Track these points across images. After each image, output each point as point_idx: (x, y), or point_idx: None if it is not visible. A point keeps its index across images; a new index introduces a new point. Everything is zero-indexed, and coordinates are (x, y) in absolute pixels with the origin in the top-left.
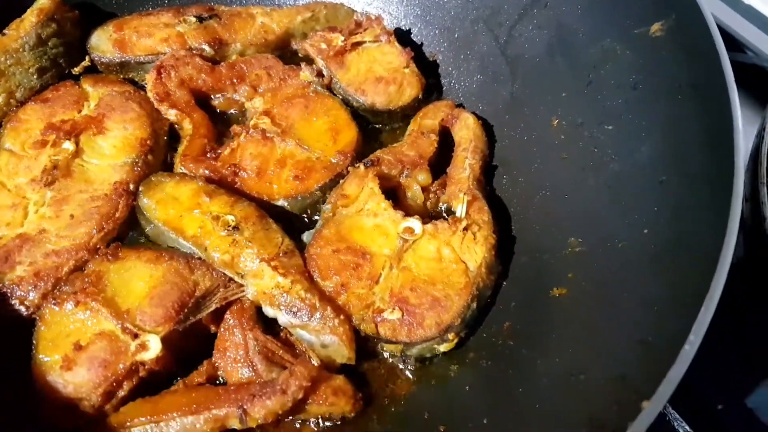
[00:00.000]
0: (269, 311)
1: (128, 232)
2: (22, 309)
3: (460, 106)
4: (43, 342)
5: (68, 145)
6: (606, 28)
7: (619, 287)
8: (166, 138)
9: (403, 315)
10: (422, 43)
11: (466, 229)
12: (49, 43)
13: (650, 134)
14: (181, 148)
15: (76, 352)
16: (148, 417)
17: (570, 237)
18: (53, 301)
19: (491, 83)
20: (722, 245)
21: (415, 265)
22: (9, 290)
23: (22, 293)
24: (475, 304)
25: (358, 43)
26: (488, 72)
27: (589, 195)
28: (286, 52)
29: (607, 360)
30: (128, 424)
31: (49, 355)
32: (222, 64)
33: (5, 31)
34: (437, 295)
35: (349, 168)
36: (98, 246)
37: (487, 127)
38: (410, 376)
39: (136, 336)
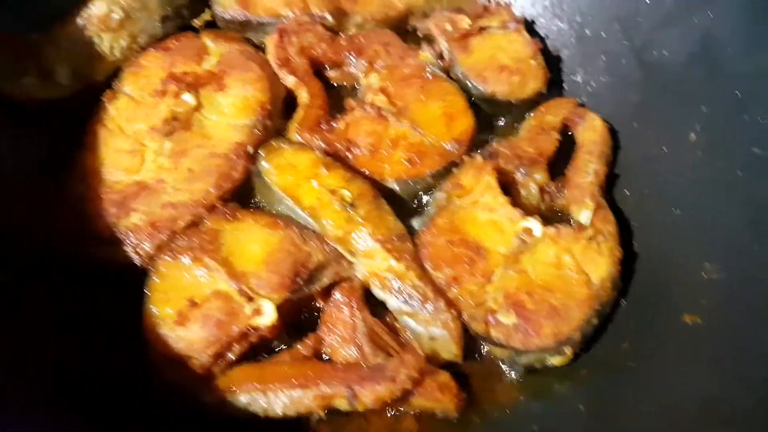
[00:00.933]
0: (379, 294)
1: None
2: (135, 257)
3: (582, 106)
4: (157, 294)
5: (188, 98)
6: (764, 44)
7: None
8: (282, 104)
9: (518, 320)
10: (547, 36)
11: (590, 238)
12: None
13: None
14: (297, 117)
15: (190, 308)
16: (257, 384)
17: (705, 262)
18: (170, 254)
19: (619, 86)
20: None
21: (533, 269)
22: (123, 236)
23: (137, 241)
24: (595, 320)
25: (484, 28)
26: (617, 74)
27: (731, 221)
28: (402, 29)
29: (750, 392)
30: (235, 389)
31: (162, 308)
32: (341, 35)
33: None
34: (555, 304)
35: (464, 157)
36: (214, 204)
37: (611, 131)
38: (516, 384)
39: (251, 299)
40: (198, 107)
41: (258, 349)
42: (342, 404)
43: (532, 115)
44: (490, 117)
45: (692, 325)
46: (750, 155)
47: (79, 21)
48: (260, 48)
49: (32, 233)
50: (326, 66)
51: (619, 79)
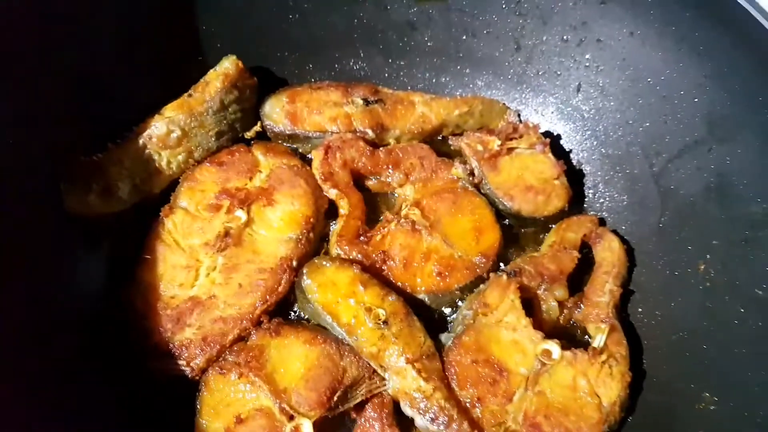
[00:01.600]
0: (407, 411)
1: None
2: (187, 370)
3: (601, 221)
4: (206, 407)
5: (241, 214)
6: None
7: None
8: (324, 215)
9: None
10: (571, 150)
11: (603, 362)
12: (230, 109)
13: None
14: (337, 228)
15: (237, 424)
16: None
17: (705, 392)
18: (219, 370)
19: (638, 207)
20: None
21: (550, 391)
22: (178, 351)
23: (190, 355)
24: None
25: (512, 149)
26: (636, 196)
27: (732, 355)
28: (435, 138)
29: None
30: None
31: (211, 422)
32: (381, 149)
33: (191, 92)
34: (570, 427)
35: (491, 274)
36: (261, 318)
37: (628, 250)
38: None
39: (291, 417)
40: (248, 222)
41: None
42: None
43: (553, 230)
44: (514, 228)
45: None
46: (752, 295)
47: (140, 140)
48: (305, 158)
49: (98, 347)
50: (365, 176)
51: (638, 200)
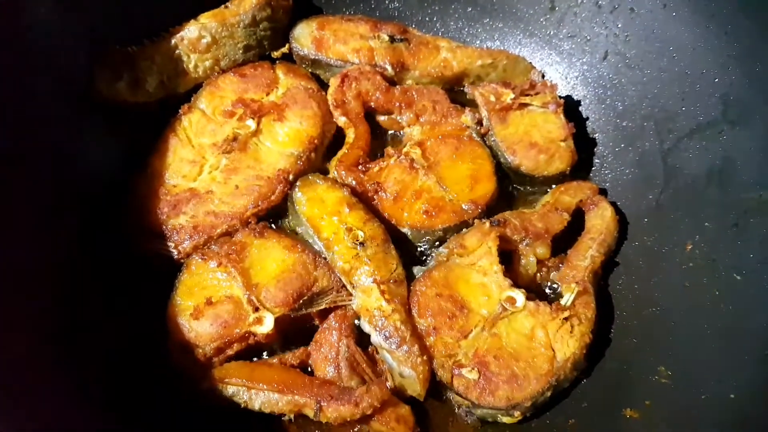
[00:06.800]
0: (366, 327)
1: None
2: (174, 252)
3: (602, 192)
4: (183, 287)
5: (251, 123)
6: None
7: None
8: (330, 140)
9: (479, 377)
10: (588, 118)
11: (566, 318)
12: (260, 25)
13: None
14: (339, 154)
15: (206, 305)
16: (244, 380)
17: (661, 365)
18: (202, 255)
19: (641, 182)
20: None
21: (506, 335)
22: (170, 233)
23: (179, 239)
24: (549, 393)
25: (525, 105)
26: (642, 170)
27: (695, 333)
28: (454, 87)
29: None
30: (227, 380)
31: (184, 300)
32: (397, 87)
33: (228, 4)
34: (517, 372)
35: (476, 220)
36: (249, 220)
37: (622, 222)
38: (468, 429)
39: (256, 309)
40: (257, 132)
41: (254, 350)
42: (309, 413)
43: (551, 191)
44: (513, 185)
45: (630, 420)
46: (730, 279)
47: (173, 41)
48: (325, 84)
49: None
50: (378, 111)
51: (643, 176)
